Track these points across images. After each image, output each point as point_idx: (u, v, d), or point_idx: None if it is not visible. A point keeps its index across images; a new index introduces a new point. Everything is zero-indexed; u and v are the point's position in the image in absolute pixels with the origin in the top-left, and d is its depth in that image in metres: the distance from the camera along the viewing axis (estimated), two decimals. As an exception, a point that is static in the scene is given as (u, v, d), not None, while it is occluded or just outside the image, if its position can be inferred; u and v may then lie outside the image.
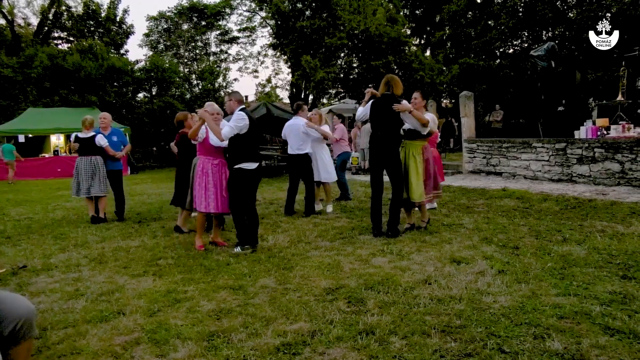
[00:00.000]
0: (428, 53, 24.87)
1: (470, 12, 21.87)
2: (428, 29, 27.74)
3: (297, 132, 7.28)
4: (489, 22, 21.10)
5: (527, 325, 2.96)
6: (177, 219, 6.57)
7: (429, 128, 5.69)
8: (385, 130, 5.67)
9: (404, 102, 5.60)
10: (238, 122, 5.00)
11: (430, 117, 5.81)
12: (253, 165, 5.12)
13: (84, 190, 7.23)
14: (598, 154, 9.42)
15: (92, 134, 7.31)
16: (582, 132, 10.17)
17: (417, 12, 27.91)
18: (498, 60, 21.20)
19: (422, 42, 28.01)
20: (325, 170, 7.54)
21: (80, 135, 7.29)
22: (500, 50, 21.58)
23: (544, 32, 20.16)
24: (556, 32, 19.79)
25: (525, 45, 20.70)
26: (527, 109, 18.12)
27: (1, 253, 5.49)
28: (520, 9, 19.70)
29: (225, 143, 5.19)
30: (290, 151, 7.46)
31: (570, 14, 19.10)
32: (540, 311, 3.16)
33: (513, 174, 11.38)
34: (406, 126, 5.76)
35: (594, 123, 10.37)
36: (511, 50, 21.58)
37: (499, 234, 5.52)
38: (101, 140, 7.31)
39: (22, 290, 4.00)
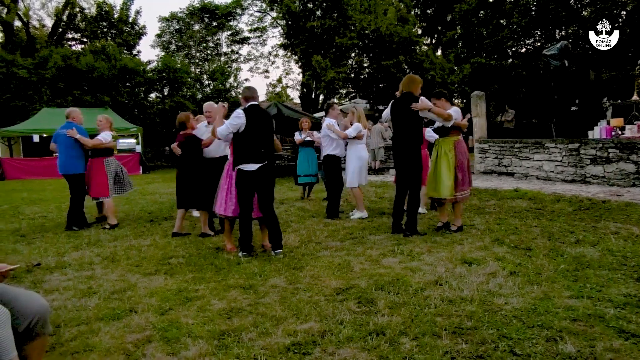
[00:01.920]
0: (439, 53, 24.70)
1: (481, 11, 21.71)
2: (439, 28, 27.59)
3: (322, 134, 7.33)
4: (501, 21, 20.91)
5: (540, 327, 2.93)
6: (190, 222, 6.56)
7: (453, 120, 5.67)
8: (405, 130, 5.72)
9: (423, 99, 5.61)
10: (233, 120, 4.87)
11: (454, 110, 5.75)
12: (253, 167, 4.86)
13: (121, 189, 7.14)
14: (612, 154, 9.29)
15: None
16: (596, 132, 10.05)
17: (428, 11, 27.76)
18: (510, 60, 21.02)
19: (433, 41, 27.85)
20: (347, 174, 7.16)
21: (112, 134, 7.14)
22: (513, 49, 21.39)
23: (557, 30, 19.94)
24: (569, 31, 19.56)
25: (538, 44, 20.50)
26: (540, 109, 17.95)
27: (16, 251, 5.57)
28: (533, 8, 19.50)
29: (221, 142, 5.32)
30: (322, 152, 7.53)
31: (584, 12, 18.87)
32: (553, 313, 3.12)
33: (525, 175, 11.28)
34: (437, 124, 5.83)
35: (608, 123, 10.24)
36: (523, 50, 21.38)
37: (510, 235, 5.48)
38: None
39: (37, 288, 4.06)
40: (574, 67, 12.92)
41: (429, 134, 6.59)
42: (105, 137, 6.91)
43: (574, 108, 12.19)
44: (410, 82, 5.76)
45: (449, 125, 5.73)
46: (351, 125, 7.04)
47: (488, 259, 4.47)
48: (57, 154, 7.00)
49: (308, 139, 9.00)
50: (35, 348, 2.30)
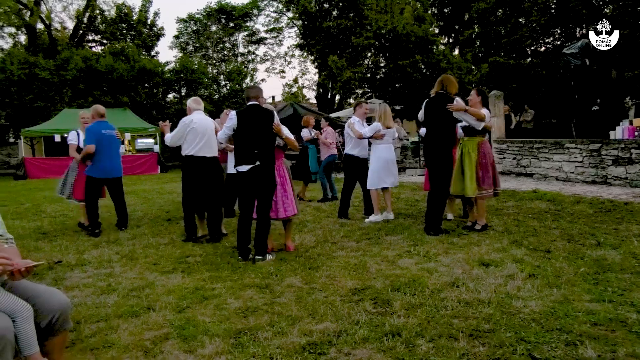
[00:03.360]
0: (456, 52, 24.48)
1: (499, 10, 21.41)
2: (456, 27, 27.32)
3: (346, 132, 7.19)
4: (520, 20, 20.60)
5: (559, 331, 2.88)
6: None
7: (484, 123, 5.65)
8: (438, 130, 5.72)
9: (458, 100, 5.60)
10: (227, 122, 4.95)
11: (486, 112, 5.74)
12: (244, 168, 4.79)
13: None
14: (635, 155, 9.08)
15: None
16: (618, 133, 9.83)
17: (445, 10, 27.51)
18: (529, 59, 20.69)
19: (451, 41, 27.59)
20: (368, 175, 6.95)
21: None
22: (532, 48, 21.05)
23: (578, 29, 19.56)
24: (590, 29, 19.17)
25: (558, 43, 20.14)
26: (560, 109, 17.63)
27: (38, 248, 5.69)
28: (553, 6, 19.17)
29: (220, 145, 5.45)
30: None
31: (606, 9, 18.48)
32: (573, 317, 3.07)
33: (544, 176, 11.10)
34: (463, 123, 5.79)
35: (630, 123, 10.00)
36: (543, 48, 21.02)
37: (529, 236, 5.40)
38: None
39: (58, 285, 4.14)
40: (595, 66, 12.65)
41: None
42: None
43: (595, 108, 11.94)
44: (446, 82, 5.73)
45: (479, 128, 5.69)
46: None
47: (506, 261, 4.41)
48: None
49: (314, 136, 9.30)
50: (57, 343, 2.34)
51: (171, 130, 5.92)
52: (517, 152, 12.01)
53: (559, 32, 20.22)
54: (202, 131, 5.73)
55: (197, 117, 5.82)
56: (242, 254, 4.85)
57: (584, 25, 19.30)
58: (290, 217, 5.14)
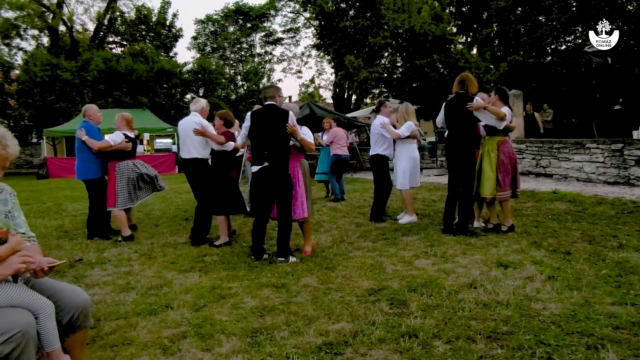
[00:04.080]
0: (475, 51, 24.21)
1: (519, 8, 21.11)
2: (475, 26, 27.01)
3: (372, 132, 6.98)
4: (540, 18, 20.29)
5: (579, 334, 2.83)
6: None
7: (505, 122, 5.54)
8: (460, 130, 5.65)
9: (477, 98, 5.53)
10: (245, 122, 4.98)
11: (507, 110, 5.62)
12: (255, 168, 4.79)
13: (136, 198, 6.26)
14: (659, 155, 8.87)
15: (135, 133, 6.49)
16: (642, 132, 9.62)
17: (464, 9, 27.22)
18: (549, 58, 20.36)
19: (469, 40, 27.31)
20: (397, 175, 6.81)
21: (129, 134, 6.29)
22: (552, 46, 20.72)
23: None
24: (613, 27, 18.77)
25: (579, 41, 19.76)
26: (580, 108, 17.31)
27: (59, 246, 5.81)
28: (574, 3, 18.83)
29: (230, 145, 5.52)
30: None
31: (629, 6, 18.08)
32: (594, 320, 3.01)
33: (564, 176, 10.91)
34: (483, 122, 5.71)
35: (654, 122, 9.79)
36: (563, 47, 20.68)
37: (549, 238, 5.31)
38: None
39: (78, 282, 4.22)
40: (617, 65, 12.39)
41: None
42: (114, 138, 6.05)
43: (617, 107, 11.70)
44: (466, 81, 5.65)
45: (501, 128, 5.59)
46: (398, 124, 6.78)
47: (525, 262, 4.34)
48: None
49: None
50: (77, 340, 2.38)
51: None
52: (536, 152, 11.82)
53: (580, 30, 19.84)
54: (182, 134, 5.87)
55: (183, 120, 6.01)
56: (255, 254, 4.86)
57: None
58: (298, 220, 5.02)
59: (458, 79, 5.74)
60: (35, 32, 27.75)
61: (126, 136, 6.18)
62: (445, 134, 6.11)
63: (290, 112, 4.82)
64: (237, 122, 6.55)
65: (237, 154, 6.09)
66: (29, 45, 28.23)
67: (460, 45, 22.69)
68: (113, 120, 6.54)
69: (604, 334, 2.81)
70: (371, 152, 7.08)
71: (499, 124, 5.54)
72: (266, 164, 4.70)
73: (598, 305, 3.26)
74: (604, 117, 11.92)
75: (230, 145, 5.62)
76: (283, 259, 4.73)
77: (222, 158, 5.71)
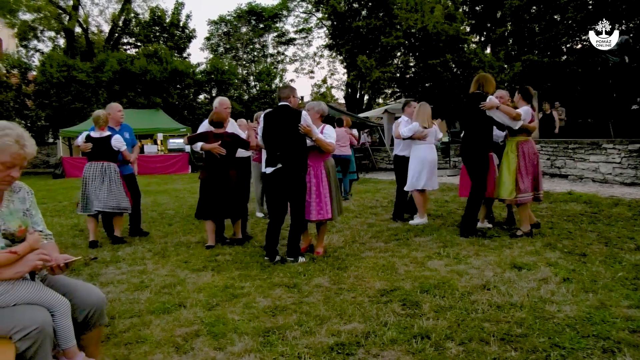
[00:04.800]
0: (488, 50, 24.00)
1: (533, 7, 20.87)
2: (488, 25, 26.77)
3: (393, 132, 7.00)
4: (555, 17, 20.03)
5: (595, 337, 2.79)
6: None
7: (521, 122, 5.41)
8: (474, 131, 5.61)
9: (490, 97, 5.46)
10: (260, 124, 5.00)
11: (524, 109, 5.49)
12: (268, 170, 4.76)
13: (96, 205, 5.64)
14: (678, 155, 8.70)
15: (108, 133, 5.86)
16: (660, 132, 9.45)
17: (477, 8, 26.99)
18: (564, 57, 20.10)
19: (482, 39, 27.09)
20: (408, 176, 6.69)
21: (94, 134, 5.83)
22: (567, 45, 20.45)
23: (617, 25, 18.88)
24: (630, 25, 18.47)
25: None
26: (597, 108, 17.06)
27: (75, 245, 5.89)
28: (590, 1, 18.56)
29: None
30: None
31: (647, 4, 17.75)
32: (610, 323, 2.96)
33: (580, 177, 10.76)
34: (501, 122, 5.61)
35: (673, 122, 9.60)
36: (579, 46, 20.39)
37: (564, 239, 5.24)
38: (118, 143, 5.86)
39: (93, 280, 4.28)
40: (635, 63, 12.18)
41: (495, 132, 5.92)
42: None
43: (634, 107, 11.50)
44: (483, 81, 5.58)
45: (516, 128, 5.45)
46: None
47: (539, 264, 4.30)
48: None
49: None
50: (92, 338, 2.41)
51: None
52: (551, 153, 11.68)
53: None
54: None
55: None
56: (268, 254, 4.85)
57: (623, 21, 18.62)
58: (322, 220, 4.98)
59: (475, 79, 5.68)
60: (52, 33, 28.16)
61: (89, 137, 5.84)
62: (461, 134, 6.06)
63: (304, 112, 4.76)
64: (244, 120, 6.72)
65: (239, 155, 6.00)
66: (46, 47, 28.70)
67: (474, 45, 22.51)
68: (127, 121, 6.72)
69: (621, 338, 2.76)
70: (395, 153, 7.17)
71: (514, 123, 5.42)
72: (279, 165, 4.66)
73: (614, 308, 3.21)
74: (621, 117, 11.73)
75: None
76: (292, 258, 4.74)
77: (222, 158, 5.47)
